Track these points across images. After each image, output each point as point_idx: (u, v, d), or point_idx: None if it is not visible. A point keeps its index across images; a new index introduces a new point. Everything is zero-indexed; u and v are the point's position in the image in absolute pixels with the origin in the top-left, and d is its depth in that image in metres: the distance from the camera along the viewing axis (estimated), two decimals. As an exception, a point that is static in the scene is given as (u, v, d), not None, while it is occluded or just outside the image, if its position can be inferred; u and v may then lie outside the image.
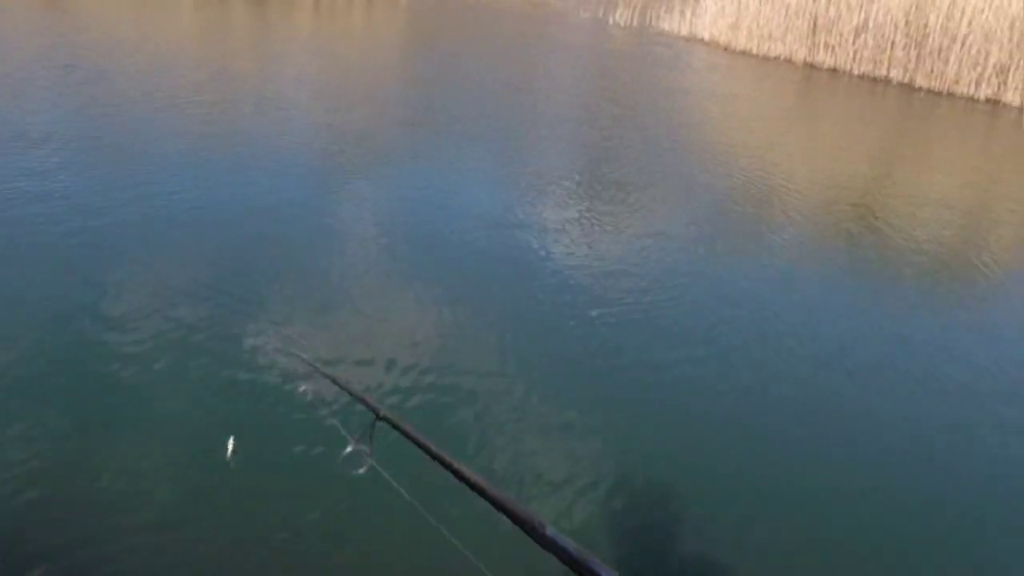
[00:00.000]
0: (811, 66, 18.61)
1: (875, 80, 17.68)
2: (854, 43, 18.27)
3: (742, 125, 12.53)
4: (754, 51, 19.31)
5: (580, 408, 4.34)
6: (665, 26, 21.81)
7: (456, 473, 0.63)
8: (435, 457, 0.72)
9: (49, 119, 8.09)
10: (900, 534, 3.76)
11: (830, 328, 5.70)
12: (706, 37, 20.34)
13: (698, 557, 3.50)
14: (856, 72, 18.13)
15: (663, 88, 14.72)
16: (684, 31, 21.10)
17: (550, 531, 0.48)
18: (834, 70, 18.37)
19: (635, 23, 22.34)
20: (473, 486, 0.58)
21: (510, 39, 18.35)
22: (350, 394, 0.92)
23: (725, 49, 19.63)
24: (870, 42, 18.11)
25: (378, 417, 0.72)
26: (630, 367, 4.80)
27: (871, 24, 18.04)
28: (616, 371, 4.74)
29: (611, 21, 22.67)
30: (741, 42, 19.52)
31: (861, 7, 18.11)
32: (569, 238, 6.59)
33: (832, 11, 18.42)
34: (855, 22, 18.16)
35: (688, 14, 21.20)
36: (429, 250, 6.06)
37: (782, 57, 18.99)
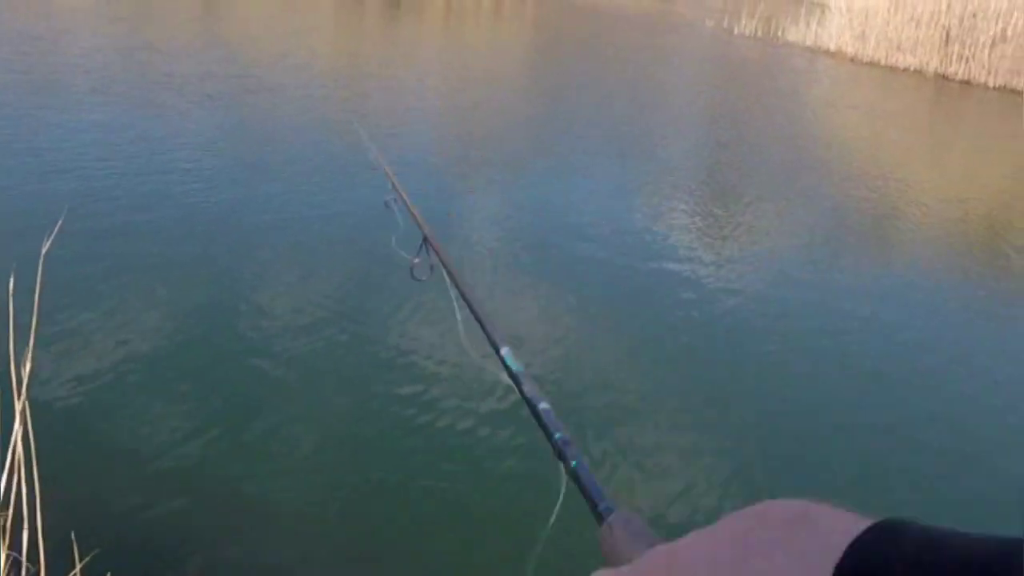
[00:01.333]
0: (943, 77, 18.19)
1: (1014, 92, 17.13)
2: (990, 54, 17.75)
3: (871, 138, 12.52)
4: (882, 62, 19.02)
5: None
6: (790, 36, 21.69)
7: None
8: None
9: (204, 116, 9.03)
10: None
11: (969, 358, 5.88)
12: (832, 48, 20.15)
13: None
14: (992, 84, 17.61)
15: (790, 99, 14.79)
16: (809, 41, 20.96)
17: None
18: (967, 82, 17.90)
19: (760, 33, 22.30)
20: None
21: (636, 46, 18.69)
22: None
23: (851, 60, 19.40)
24: (1009, 53, 17.56)
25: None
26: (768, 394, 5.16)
27: (1010, 34, 17.49)
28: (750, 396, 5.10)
29: (736, 31, 22.70)
30: (868, 53, 19.27)
31: (999, 16, 17.58)
32: (699, 248, 6.96)
33: (967, 21, 17.94)
34: (992, 32, 17.64)
35: (814, 24, 21.03)
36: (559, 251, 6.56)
37: (911, 68, 18.63)
